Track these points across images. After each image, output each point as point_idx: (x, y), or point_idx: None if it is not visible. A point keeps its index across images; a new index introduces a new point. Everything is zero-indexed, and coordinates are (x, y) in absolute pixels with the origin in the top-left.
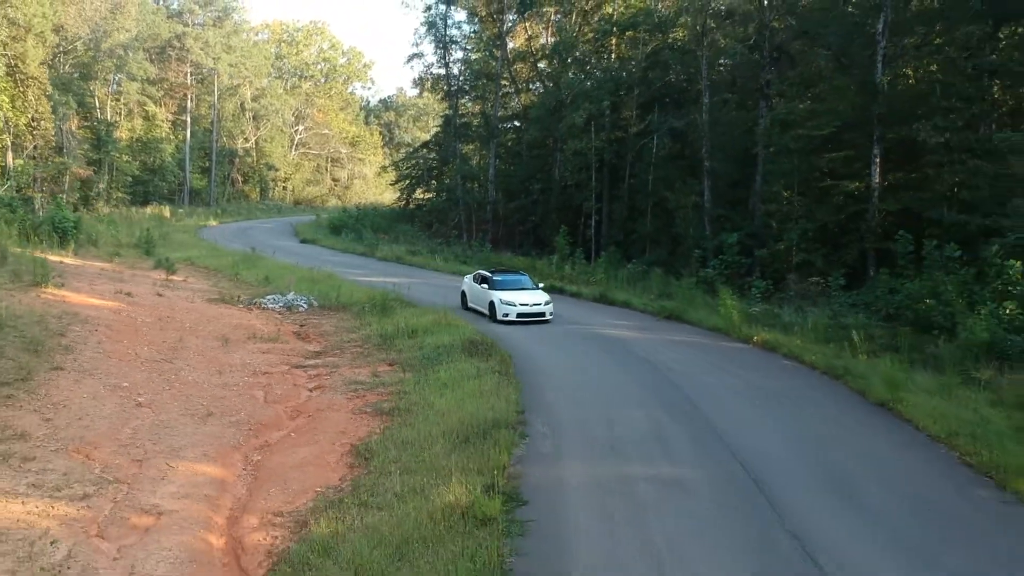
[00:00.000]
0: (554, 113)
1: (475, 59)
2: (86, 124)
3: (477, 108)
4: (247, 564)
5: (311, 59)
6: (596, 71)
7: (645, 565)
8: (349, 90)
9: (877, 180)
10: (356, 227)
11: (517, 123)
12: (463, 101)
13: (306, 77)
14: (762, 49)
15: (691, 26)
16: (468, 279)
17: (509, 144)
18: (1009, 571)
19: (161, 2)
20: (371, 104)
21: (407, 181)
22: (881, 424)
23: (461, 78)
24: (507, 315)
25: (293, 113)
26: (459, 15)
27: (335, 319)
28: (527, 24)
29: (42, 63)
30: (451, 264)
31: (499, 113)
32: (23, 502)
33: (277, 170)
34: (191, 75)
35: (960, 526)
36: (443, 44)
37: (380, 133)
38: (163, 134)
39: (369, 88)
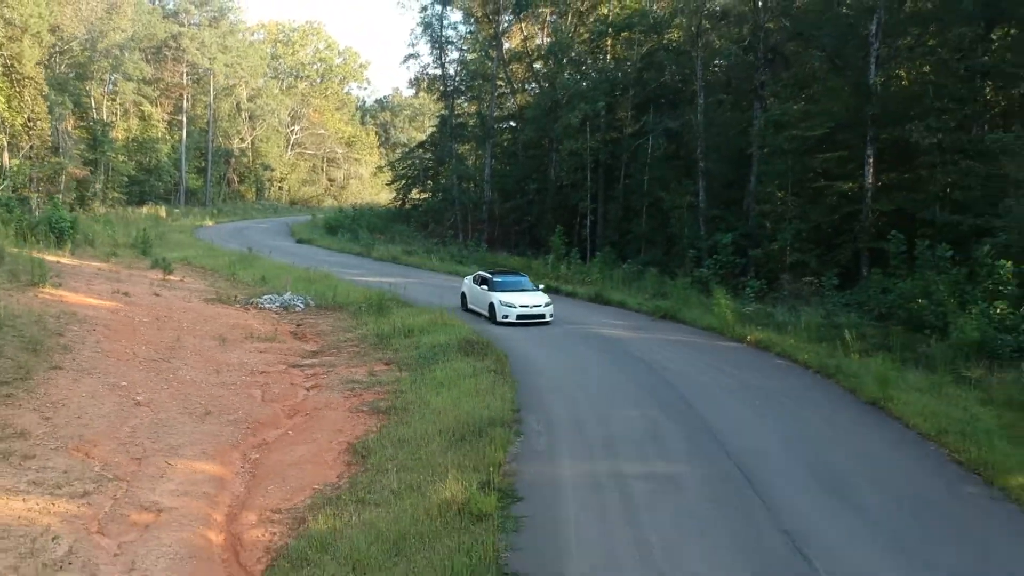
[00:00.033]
0: (550, 113)
1: (471, 59)
2: (82, 124)
3: (473, 108)
4: (246, 560)
5: (307, 59)
6: (592, 72)
7: (639, 561)
8: (345, 90)
9: (870, 180)
10: (352, 227)
11: (513, 123)
12: (459, 101)
13: (302, 77)
14: (756, 50)
15: (686, 27)
16: (468, 280)
17: (505, 144)
18: (995, 564)
19: (157, 2)
20: (367, 104)
21: (403, 181)
22: (872, 422)
23: (457, 78)
24: (507, 316)
25: (289, 113)
26: (455, 16)
27: (332, 319)
28: (523, 25)
29: (38, 63)
30: (447, 264)
31: (495, 113)
32: (24, 499)
33: (273, 170)
34: (187, 75)
35: (949, 522)
36: (439, 45)
37: (376, 133)
38: (159, 134)
39: (365, 88)
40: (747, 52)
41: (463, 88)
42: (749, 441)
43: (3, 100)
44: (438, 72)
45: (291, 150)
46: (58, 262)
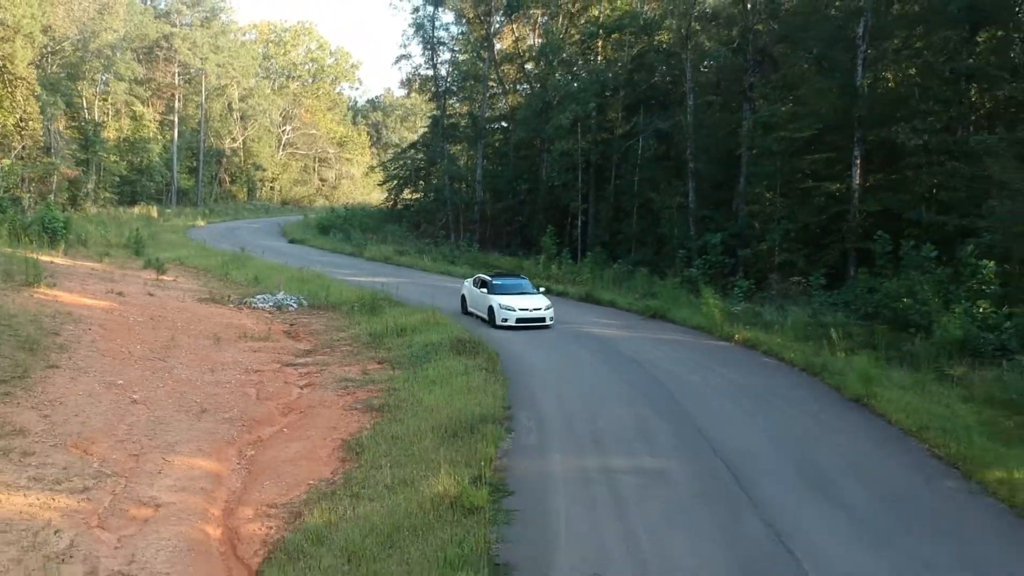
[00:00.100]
0: (541, 114)
1: (463, 60)
2: (73, 124)
3: (465, 109)
4: (243, 553)
5: (299, 59)
6: (582, 73)
7: (627, 552)
8: (337, 90)
9: (858, 181)
10: (344, 227)
11: (504, 124)
12: (451, 102)
13: (294, 77)
14: (745, 52)
15: (676, 29)
16: (468, 283)
17: (496, 145)
18: (970, 554)
19: (149, 2)
20: (359, 104)
21: (395, 181)
22: (856, 419)
23: (449, 79)
24: (506, 320)
25: (281, 113)
26: (447, 17)
27: (325, 318)
28: (514, 26)
29: (30, 64)
30: (439, 264)
31: (487, 114)
32: (25, 494)
33: (265, 170)
34: (179, 75)
35: (927, 514)
36: (431, 45)
37: (368, 133)
38: (151, 134)
39: (357, 88)
40: (736, 54)
41: (455, 89)
42: (735, 437)
43: None
44: (430, 73)
45: (283, 150)
46: (52, 262)
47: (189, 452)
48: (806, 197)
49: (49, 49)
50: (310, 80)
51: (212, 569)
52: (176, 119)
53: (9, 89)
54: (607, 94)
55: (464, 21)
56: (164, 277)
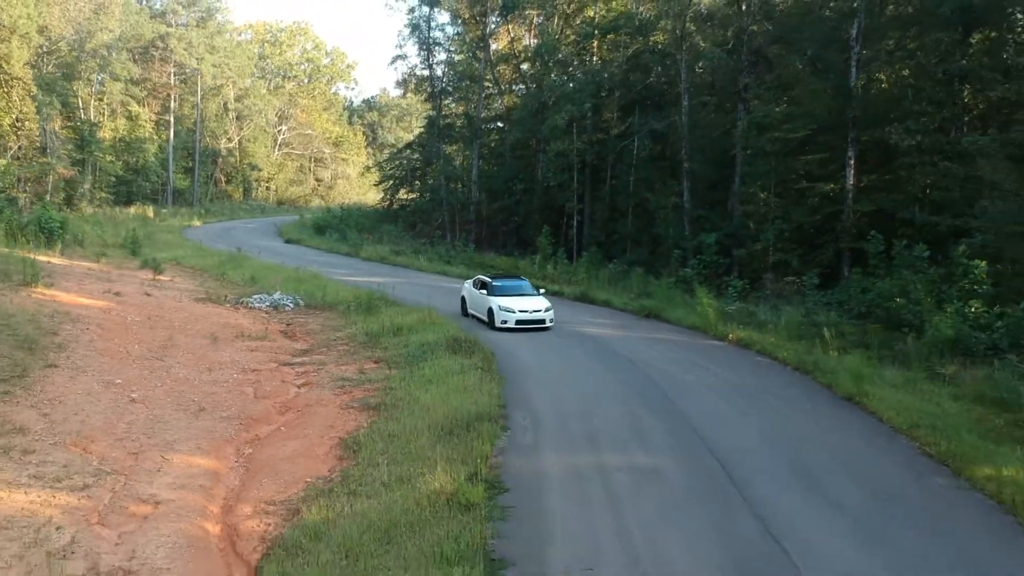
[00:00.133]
0: (537, 115)
1: (458, 61)
2: (69, 124)
3: (460, 109)
4: (242, 549)
5: (294, 59)
6: (578, 73)
7: (620, 547)
8: (332, 90)
9: (852, 182)
10: (340, 227)
11: (500, 124)
12: (447, 102)
13: (289, 77)
14: (740, 53)
15: (671, 30)
16: (468, 284)
17: (492, 145)
18: (957, 547)
19: (144, 2)
20: (354, 104)
21: (391, 181)
22: (847, 417)
23: (445, 79)
24: (505, 322)
25: (276, 113)
26: (443, 17)
27: (321, 318)
28: (510, 27)
29: (26, 64)
30: (435, 264)
31: (482, 114)
32: (26, 492)
33: (260, 170)
34: (174, 75)
35: (916, 510)
36: (427, 46)
37: (363, 133)
38: (146, 134)
39: (352, 88)
40: (731, 55)
41: (451, 89)
42: (728, 435)
43: None
44: (426, 73)
45: (278, 150)
46: (49, 262)
47: (188, 450)
48: (800, 197)
49: (45, 49)
50: (306, 80)
51: (212, 565)
52: (172, 119)
53: (5, 89)
54: (603, 94)
55: (460, 22)
56: (161, 277)
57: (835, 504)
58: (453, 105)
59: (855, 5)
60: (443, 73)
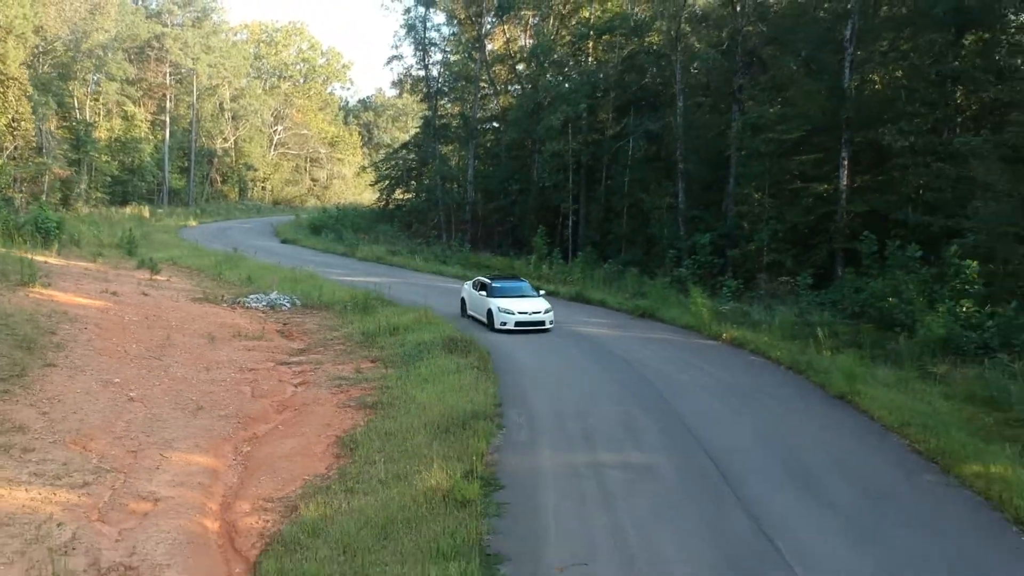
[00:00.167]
0: (532, 115)
1: (454, 61)
2: (65, 124)
3: (456, 109)
4: (241, 545)
5: (290, 59)
6: (573, 74)
7: (613, 544)
8: (328, 90)
9: (845, 182)
10: (336, 227)
11: (496, 124)
12: (442, 102)
13: (285, 77)
14: (735, 54)
15: (666, 31)
16: (467, 286)
17: (488, 145)
18: (945, 542)
19: (140, 3)
20: (350, 104)
21: (387, 181)
22: (839, 415)
23: (440, 80)
24: (505, 323)
25: (272, 113)
26: (438, 18)
27: (318, 318)
28: (505, 27)
29: (22, 64)
30: (431, 264)
31: (478, 115)
32: (26, 489)
33: (256, 170)
34: (170, 75)
35: (906, 507)
36: (422, 46)
37: (359, 133)
38: (142, 134)
39: (348, 88)
40: (725, 56)
41: (446, 89)
42: (721, 434)
43: None
44: (421, 73)
45: (274, 150)
46: (46, 262)
47: (186, 448)
48: (794, 198)
49: (40, 49)
50: (301, 80)
51: (211, 561)
52: (167, 119)
53: (1, 89)
54: (598, 95)
55: (455, 22)
56: (158, 277)
57: (826, 501)
58: (449, 105)
59: (849, 6)
60: (439, 73)
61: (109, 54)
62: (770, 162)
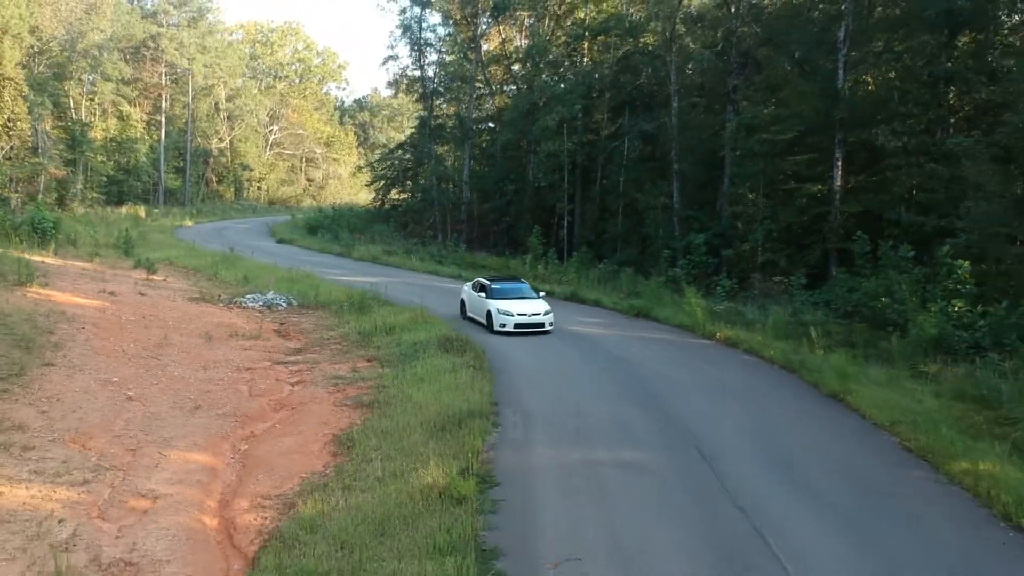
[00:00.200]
0: (527, 116)
1: (450, 61)
2: (60, 124)
3: (452, 110)
4: (239, 542)
5: (285, 59)
6: (569, 75)
7: (606, 538)
8: (324, 90)
9: (839, 183)
10: (332, 227)
11: (491, 125)
12: (438, 103)
13: (280, 77)
14: (729, 55)
15: (661, 31)
16: (467, 287)
17: (483, 145)
18: (933, 538)
19: (136, 3)
20: (346, 104)
21: (382, 182)
22: (831, 414)
23: (436, 80)
24: (504, 325)
25: (267, 113)
26: (434, 18)
27: (314, 317)
28: (501, 28)
29: (18, 64)
30: (427, 264)
31: (473, 115)
32: (27, 487)
33: (251, 170)
34: (165, 75)
35: (895, 503)
36: (418, 47)
37: (355, 133)
38: (137, 134)
39: (344, 88)
40: (720, 56)
41: (442, 90)
42: (713, 432)
43: None
44: (417, 74)
45: (270, 150)
46: (43, 262)
47: (184, 447)
48: (788, 198)
49: (36, 49)
50: (297, 80)
51: (210, 557)
52: (163, 119)
53: None
54: (593, 96)
55: (451, 23)
56: (154, 277)
57: (816, 497)
58: (444, 106)
59: (843, 8)
60: (434, 74)
61: (105, 54)
62: (764, 162)
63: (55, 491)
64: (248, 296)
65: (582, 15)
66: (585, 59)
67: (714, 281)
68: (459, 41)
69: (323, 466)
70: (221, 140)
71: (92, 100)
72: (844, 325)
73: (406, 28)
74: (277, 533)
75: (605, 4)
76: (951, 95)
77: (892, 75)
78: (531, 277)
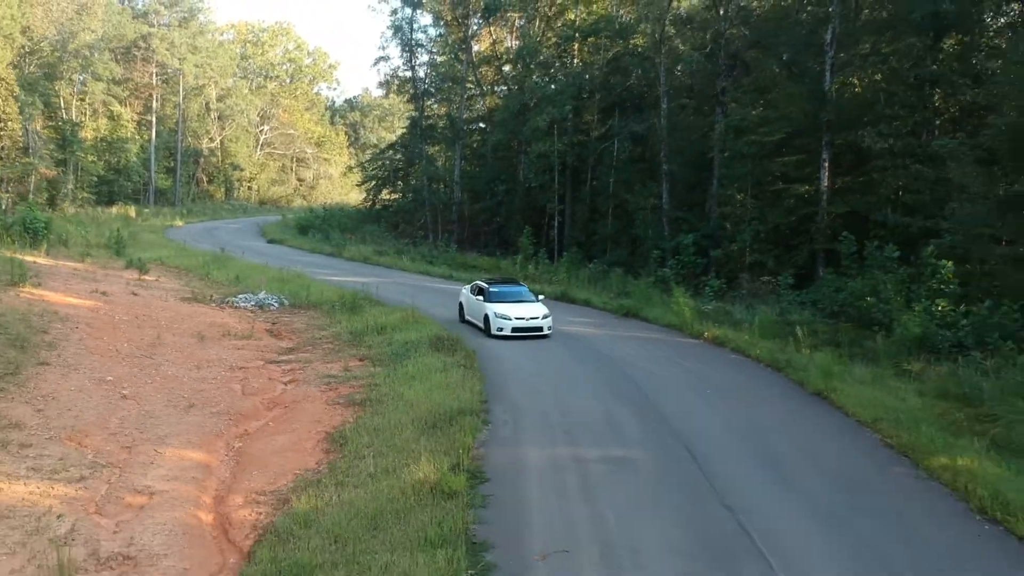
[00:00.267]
0: (518, 116)
1: (441, 62)
2: (51, 124)
3: (443, 110)
4: (234, 536)
5: (276, 59)
6: (559, 76)
7: (594, 531)
8: (315, 90)
9: (826, 184)
10: (323, 227)
11: (482, 125)
12: (429, 103)
13: (271, 77)
14: (718, 57)
15: (650, 33)
16: (466, 290)
17: (474, 146)
18: (911, 531)
19: (127, 3)
20: (336, 104)
21: (373, 182)
22: (815, 411)
23: (427, 81)
24: (501, 329)
25: (258, 113)
26: (425, 19)
27: (306, 317)
28: (492, 29)
29: (9, 64)
30: (418, 264)
31: (465, 115)
32: (25, 483)
33: (242, 170)
34: (156, 75)
35: (875, 498)
36: (409, 48)
37: (346, 133)
38: (128, 134)
39: (335, 88)
40: (709, 58)
41: (433, 90)
42: (700, 429)
43: None
44: (408, 74)
45: (260, 150)
46: (35, 262)
47: (179, 444)
48: (776, 199)
49: (27, 49)
50: (288, 80)
51: (206, 551)
52: (154, 119)
53: None
54: (583, 97)
55: (442, 23)
56: (146, 277)
57: (798, 491)
58: (435, 106)
59: (830, 10)
60: (425, 74)
61: (96, 54)
62: (753, 164)
63: (53, 487)
64: (240, 296)
65: (572, 16)
66: (575, 60)
67: (703, 281)
68: (450, 42)
69: (316, 463)
70: (212, 140)
71: (83, 100)
72: (830, 324)
73: (397, 29)
74: (272, 528)
75: (595, 6)
76: (936, 97)
77: (878, 77)
78: (522, 277)
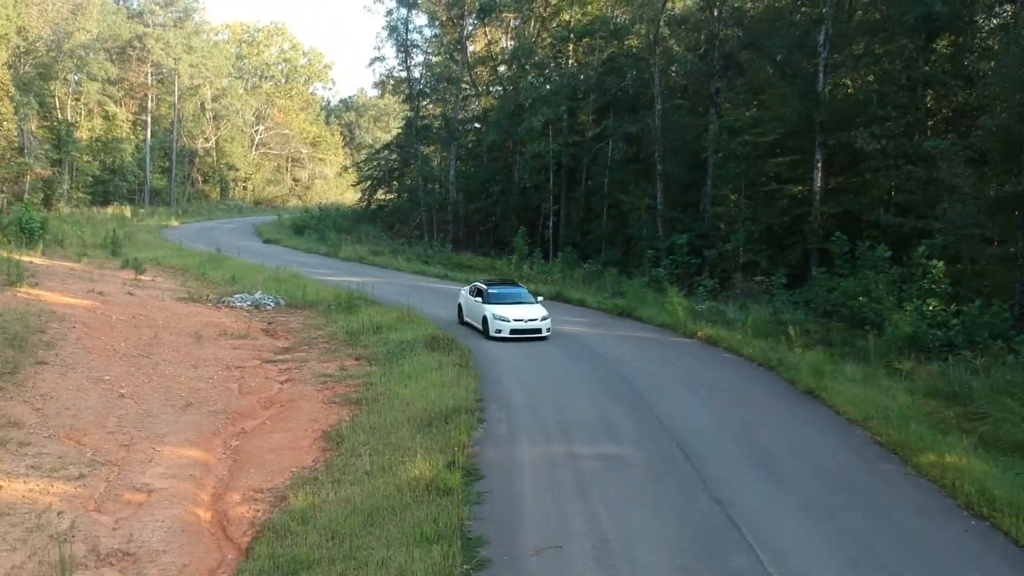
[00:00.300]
0: (513, 117)
1: (436, 63)
2: (46, 124)
3: (438, 110)
4: (233, 533)
5: (272, 59)
6: (554, 76)
7: (587, 527)
8: (310, 90)
9: (819, 184)
10: (319, 227)
11: (478, 126)
12: (424, 103)
13: (267, 77)
14: (712, 58)
15: (645, 34)
16: (464, 291)
17: (470, 146)
18: (899, 526)
19: (122, 3)
20: (332, 104)
21: (369, 182)
22: (806, 409)
23: (422, 81)
24: (499, 331)
25: (253, 113)
26: (420, 19)
27: (302, 317)
28: (487, 29)
29: (4, 64)
30: (413, 264)
31: (460, 116)
32: (24, 481)
33: (237, 170)
34: (151, 75)
35: (865, 494)
36: (404, 48)
37: (341, 133)
38: (123, 134)
39: (330, 88)
40: (703, 59)
41: (428, 91)
42: (692, 426)
43: None
44: (404, 75)
45: (255, 150)
46: (31, 262)
47: (177, 442)
48: (770, 199)
49: (22, 49)
50: (283, 80)
51: (205, 547)
52: (149, 119)
53: None
54: (578, 97)
55: (437, 24)
56: (142, 277)
57: (788, 487)
58: (431, 106)
59: (823, 12)
60: (421, 75)
61: (91, 54)
62: (746, 164)
63: (52, 485)
64: (236, 296)
65: (567, 17)
66: (570, 61)
67: (697, 281)
68: (445, 42)
69: (313, 461)
70: (207, 140)
71: (78, 100)
72: (822, 324)
73: (393, 29)
74: (269, 524)
75: (590, 6)
76: (928, 99)
77: (871, 78)
78: (517, 277)
